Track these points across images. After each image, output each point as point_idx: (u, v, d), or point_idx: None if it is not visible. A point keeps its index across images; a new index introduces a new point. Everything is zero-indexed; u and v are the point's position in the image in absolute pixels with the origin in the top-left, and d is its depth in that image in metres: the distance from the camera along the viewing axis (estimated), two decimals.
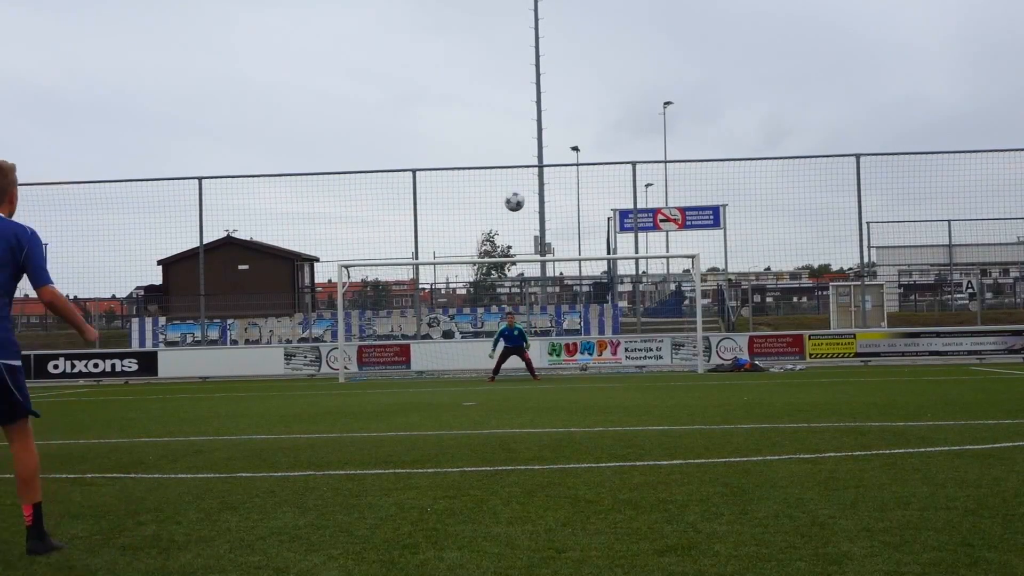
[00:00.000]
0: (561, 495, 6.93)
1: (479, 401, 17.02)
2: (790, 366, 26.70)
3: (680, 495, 6.77)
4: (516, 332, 24.91)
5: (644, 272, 44.64)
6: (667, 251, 41.13)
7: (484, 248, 59.07)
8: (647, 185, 50.19)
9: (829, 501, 6.45)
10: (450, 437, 11.03)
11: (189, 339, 34.47)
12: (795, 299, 62.66)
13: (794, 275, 68.68)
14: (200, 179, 31.84)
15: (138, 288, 39.96)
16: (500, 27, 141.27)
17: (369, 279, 47.99)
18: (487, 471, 8.19)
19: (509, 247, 55.20)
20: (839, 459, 8.31)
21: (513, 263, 50.65)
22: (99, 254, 33.13)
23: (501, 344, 24.91)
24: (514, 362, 25.00)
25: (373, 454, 9.58)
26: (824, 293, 48.61)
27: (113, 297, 56.37)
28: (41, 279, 5.60)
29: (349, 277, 28.74)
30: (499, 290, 56.10)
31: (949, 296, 44.81)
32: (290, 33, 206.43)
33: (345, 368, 27.73)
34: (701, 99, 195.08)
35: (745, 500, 6.55)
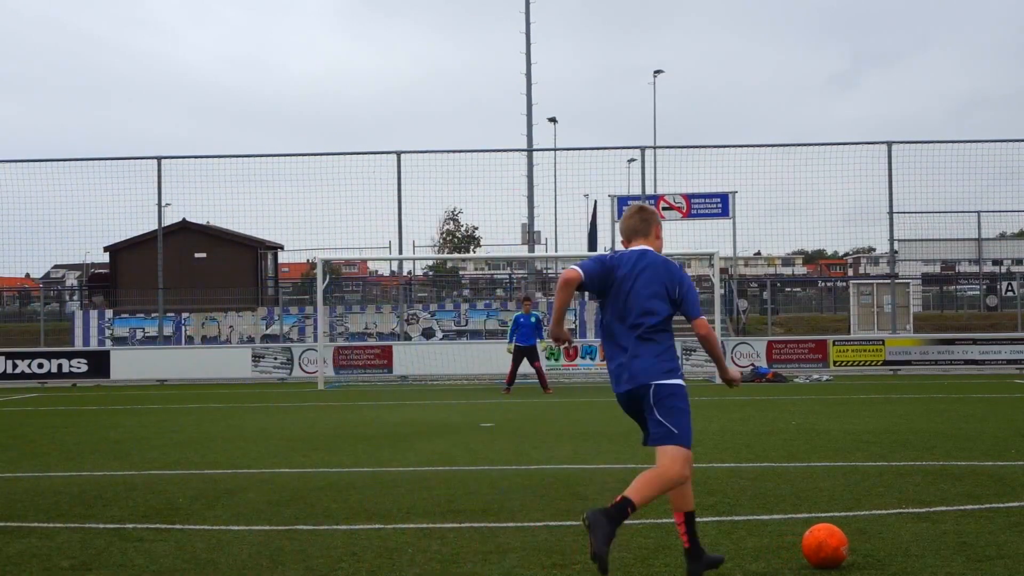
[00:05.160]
0: (682, 562, 7.06)
1: (494, 421, 17.13)
2: (816, 376, 26.99)
3: (815, 569, 6.90)
4: (533, 320, 23.70)
5: None
6: (670, 243, 41.44)
7: (447, 227, 58.97)
8: (630, 160, 50.35)
9: None
10: (499, 475, 11.13)
11: (139, 334, 34.32)
12: (800, 291, 63.04)
13: (805, 257, 69.15)
14: (159, 159, 31.70)
15: (81, 275, 39.72)
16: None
17: (333, 262, 47.80)
18: (576, 527, 8.27)
19: (475, 227, 55.22)
20: (954, 516, 8.48)
21: (509, 261, 50.66)
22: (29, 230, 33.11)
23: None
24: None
25: (431, 499, 9.64)
26: (842, 286, 49.00)
27: (27, 276, 55.84)
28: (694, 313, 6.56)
29: (330, 271, 28.75)
30: (463, 275, 56.19)
31: (978, 294, 45.47)
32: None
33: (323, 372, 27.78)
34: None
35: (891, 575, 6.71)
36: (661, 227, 6.88)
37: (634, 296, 6.53)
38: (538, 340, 23.75)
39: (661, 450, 6.41)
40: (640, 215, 6.86)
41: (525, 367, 23.70)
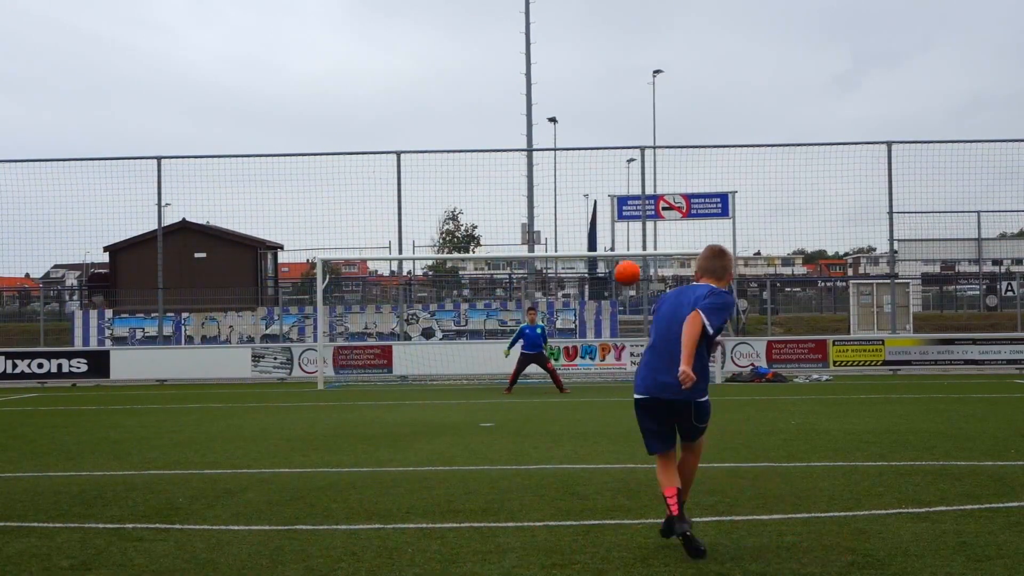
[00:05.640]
0: (681, 561, 7.06)
1: (494, 421, 17.13)
2: (816, 376, 26.99)
3: (816, 569, 6.90)
4: (539, 331, 23.61)
5: (641, 265, 44.93)
6: (667, 241, 41.46)
7: (447, 227, 58.98)
8: (629, 160, 50.42)
9: None
10: (500, 475, 11.14)
11: (139, 334, 34.30)
12: (800, 291, 63.14)
13: (805, 257, 69.18)
14: (159, 159, 31.70)
15: (81, 275, 39.73)
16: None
17: (333, 262, 47.79)
18: (575, 527, 8.31)
19: (475, 227, 55.25)
20: (954, 515, 8.49)
21: (509, 261, 50.67)
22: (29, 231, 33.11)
23: (519, 346, 23.74)
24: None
25: (431, 499, 9.65)
26: (841, 285, 49.06)
27: (27, 276, 55.74)
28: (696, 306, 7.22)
29: (330, 271, 28.76)
30: (463, 275, 56.06)
31: (978, 294, 45.50)
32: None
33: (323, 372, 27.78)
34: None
35: None
36: (733, 275, 7.62)
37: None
38: (544, 346, 23.69)
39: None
40: (720, 261, 7.56)
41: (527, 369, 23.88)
